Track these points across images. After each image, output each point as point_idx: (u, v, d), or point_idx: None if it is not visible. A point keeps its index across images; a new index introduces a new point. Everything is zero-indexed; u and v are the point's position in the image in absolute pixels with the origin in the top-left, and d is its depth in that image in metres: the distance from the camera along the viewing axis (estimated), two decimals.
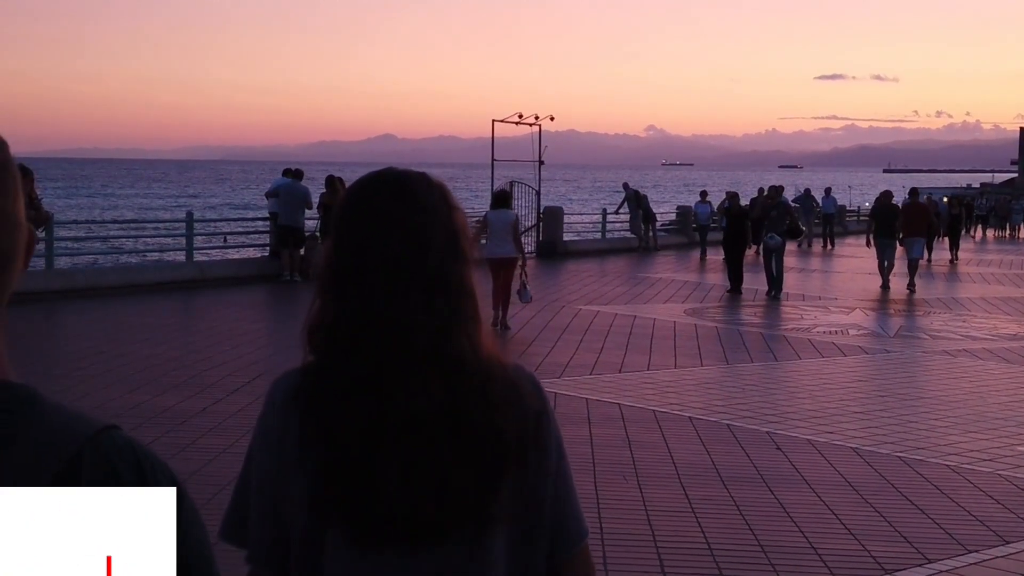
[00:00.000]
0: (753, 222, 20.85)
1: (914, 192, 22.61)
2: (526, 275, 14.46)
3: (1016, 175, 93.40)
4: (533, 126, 26.61)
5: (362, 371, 1.70)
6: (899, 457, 8.12)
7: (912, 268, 20.81)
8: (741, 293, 19.27)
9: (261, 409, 1.79)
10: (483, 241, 15.64)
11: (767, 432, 8.79)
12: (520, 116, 26.13)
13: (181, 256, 20.56)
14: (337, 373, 1.72)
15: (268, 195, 21.05)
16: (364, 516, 1.67)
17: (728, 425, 9.00)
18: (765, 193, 23.36)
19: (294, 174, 20.25)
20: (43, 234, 16.79)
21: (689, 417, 9.27)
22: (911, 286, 20.56)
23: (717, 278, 22.02)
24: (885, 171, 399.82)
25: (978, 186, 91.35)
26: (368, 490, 1.66)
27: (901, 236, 20.76)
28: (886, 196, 21.03)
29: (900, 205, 22.08)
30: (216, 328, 13.91)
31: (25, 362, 11.47)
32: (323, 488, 1.67)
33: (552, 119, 26.42)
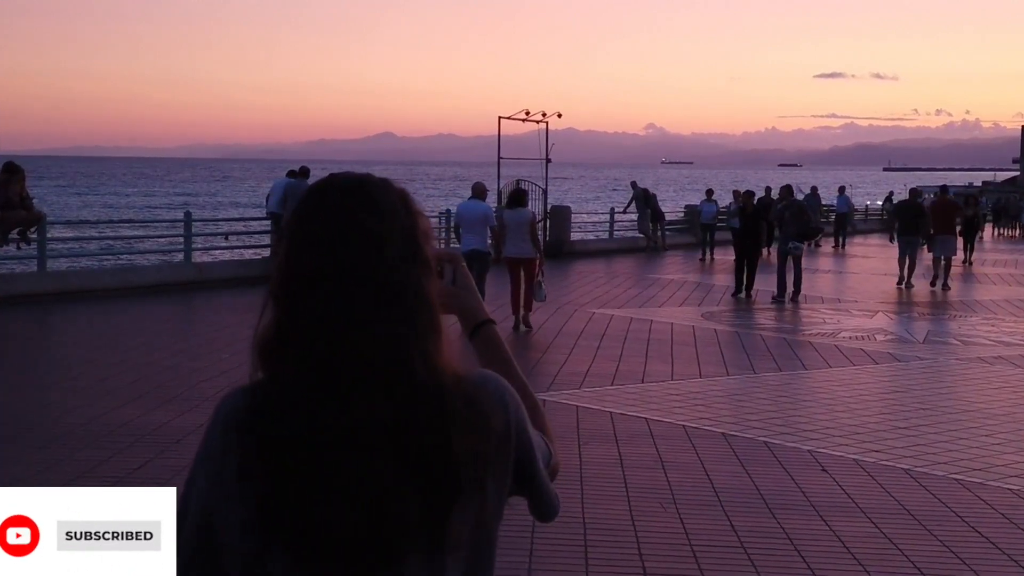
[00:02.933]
0: (769, 224, 20.13)
1: (944, 189, 22.15)
2: (542, 274, 14.20)
3: (1018, 173, 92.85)
4: (540, 123, 26.01)
5: (305, 383, 1.62)
6: (956, 480, 7.48)
7: (946, 267, 20.72)
8: (751, 297, 18.62)
9: (204, 429, 1.70)
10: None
11: (809, 451, 8.15)
12: (527, 113, 25.52)
13: (179, 256, 19.87)
14: (280, 388, 1.64)
15: (269, 197, 20.41)
16: (306, 539, 1.59)
17: (766, 443, 8.36)
18: (779, 195, 22.47)
19: (299, 173, 19.57)
20: (35, 234, 16.16)
21: (722, 433, 8.63)
22: (945, 285, 20.50)
23: (728, 279, 21.36)
24: (885, 169, 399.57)
25: (979, 184, 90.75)
26: (308, 511, 1.59)
27: (931, 234, 20.53)
28: (912, 194, 20.63)
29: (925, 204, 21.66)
30: (215, 334, 13.27)
31: (14, 372, 10.83)
32: (264, 510, 1.60)
33: (560, 116, 25.83)
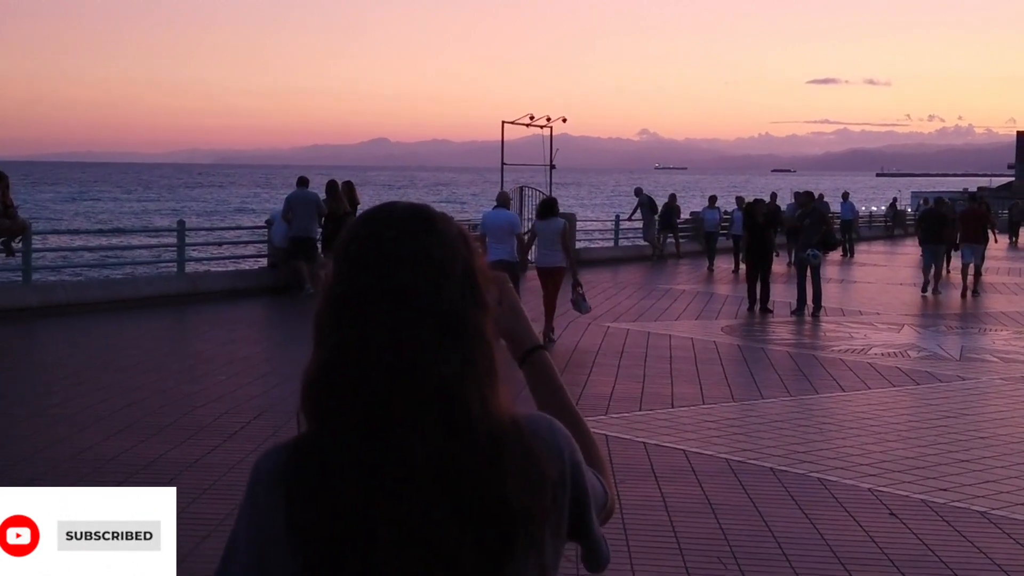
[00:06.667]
0: (786, 232, 19.29)
1: (973, 197, 21.70)
2: (582, 286, 13.71)
3: (1013, 179, 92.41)
4: (544, 128, 25.27)
5: (358, 424, 1.49)
6: None
7: (976, 272, 20.47)
8: (769, 309, 17.76)
9: (244, 493, 1.57)
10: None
11: (869, 489, 7.38)
12: (531, 117, 24.76)
13: (172, 267, 19.02)
14: (330, 434, 1.51)
15: (277, 216, 19.36)
16: None
17: (820, 479, 7.58)
18: (797, 201, 21.36)
19: (299, 183, 18.55)
20: (20, 245, 15.35)
21: (771, 468, 7.85)
22: (976, 292, 20.33)
23: (739, 290, 20.55)
24: (878, 175, 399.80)
25: (975, 190, 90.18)
26: (362, 560, 1.47)
27: (958, 242, 20.40)
28: (939, 203, 20.24)
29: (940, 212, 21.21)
30: (210, 352, 12.46)
31: None
32: (313, 561, 1.48)
33: (564, 120, 25.08)
